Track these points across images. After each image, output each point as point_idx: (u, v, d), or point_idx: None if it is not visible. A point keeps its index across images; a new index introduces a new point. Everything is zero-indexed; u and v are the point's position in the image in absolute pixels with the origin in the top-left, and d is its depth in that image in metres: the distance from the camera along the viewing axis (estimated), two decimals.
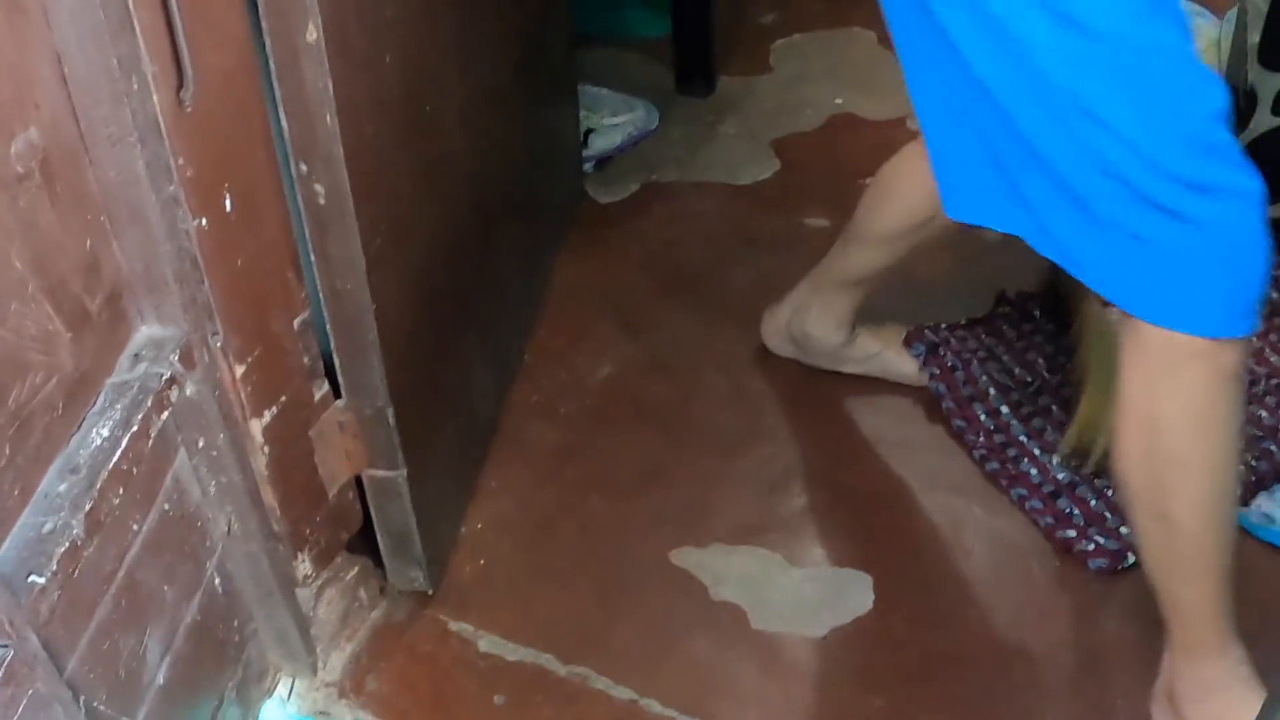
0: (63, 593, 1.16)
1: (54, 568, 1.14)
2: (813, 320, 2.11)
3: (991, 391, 2.10)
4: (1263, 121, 2.22)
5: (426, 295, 1.73)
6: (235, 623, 1.57)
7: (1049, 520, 1.91)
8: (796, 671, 1.78)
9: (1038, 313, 2.23)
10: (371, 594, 1.83)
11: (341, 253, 1.49)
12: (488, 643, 1.81)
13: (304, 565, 1.68)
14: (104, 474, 1.22)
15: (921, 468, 2.05)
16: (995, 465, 2.00)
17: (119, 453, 1.24)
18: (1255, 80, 2.23)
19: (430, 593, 1.85)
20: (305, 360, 1.57)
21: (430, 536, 1.80)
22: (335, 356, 1.60)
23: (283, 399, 1.54)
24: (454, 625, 1.83)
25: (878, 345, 2.16)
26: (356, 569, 1.78)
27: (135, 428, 1.27)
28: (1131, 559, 1.84)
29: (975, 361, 2.15)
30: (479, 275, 1.97)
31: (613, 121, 2.64)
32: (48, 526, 1.16)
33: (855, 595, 1.87)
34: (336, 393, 1.64)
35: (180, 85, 1.22)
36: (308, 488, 1.64)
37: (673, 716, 1.72)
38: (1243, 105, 2.24)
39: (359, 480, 1.73)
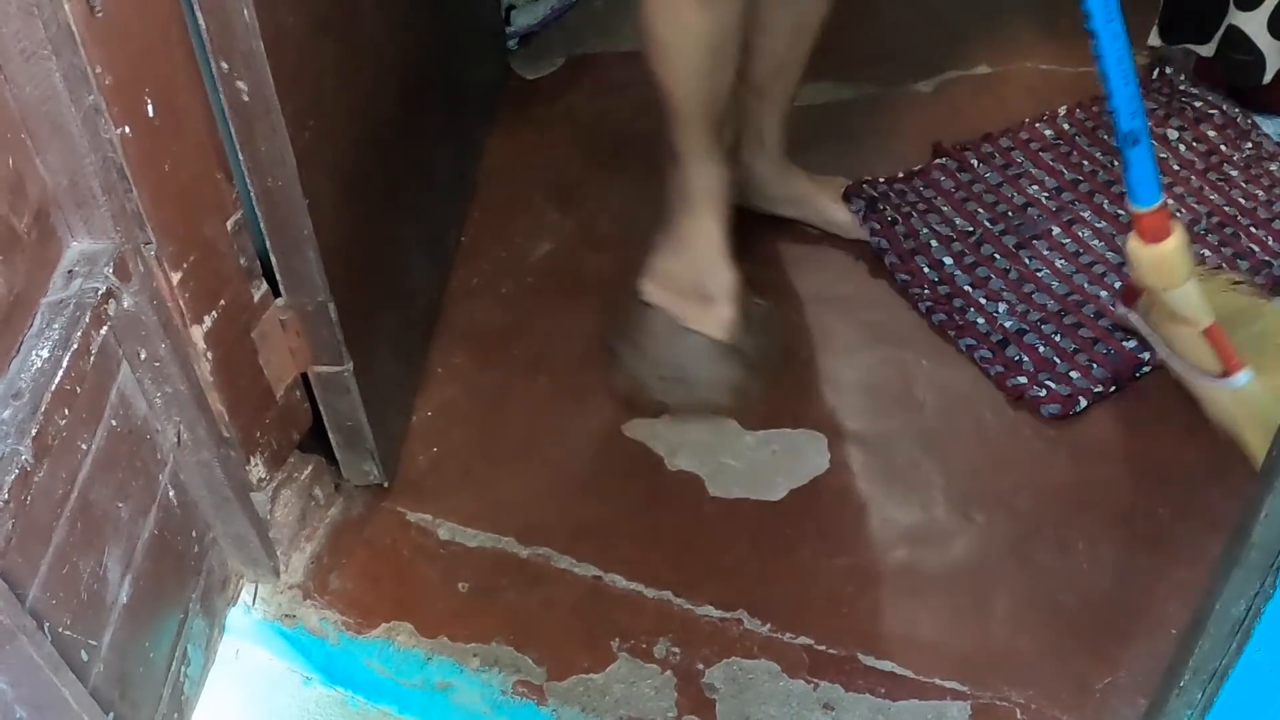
0: (17, 521, 1.15)
1: (5, 496, 1.13)
2: (744, 150, 2.09)
3: (933, 243, 2.09)
4: None
5: (358, 185, 1.70)
6: (193, 534, 1.56)
7: (999, 369, 1.92)
8: (758, 537, 1.78)
9: (975, 162, 2.22)
10: (327, 492, 1.82)
11: (270, 149, 1.46)
12: (447, 531, 1.81)
13: (257, 469, 1.66)
14: (47, 396, 1.20)
15: (867, 323, 2.05)
16: (942, 316, 2.00)
17: (61, 373, 1.22)
18: None
19: (386, 485, 1.84)
20: (241, 261, 1.54)
21: (381, 428, 1.79)
22: (271, 255, 1.57)
23: (222, 303, 1.51)
24: (412, 516, 1.83)
25: (813, 189, 2.15)
26: (310, 468, 1.77)
27: (75, 346, 1.24)
28: (1084, 403, 1.86)
29: (915, 214, 2.14)
30: (409, 161, 1.93)
31: None
32: None
33: (810, 456, 1.87)
34: (276, 291, 1.62)
35: None
36: (254, 390, 1.62)
37: (638, 590, 1.72)
38: None
39: (305, 378, 1.71)
